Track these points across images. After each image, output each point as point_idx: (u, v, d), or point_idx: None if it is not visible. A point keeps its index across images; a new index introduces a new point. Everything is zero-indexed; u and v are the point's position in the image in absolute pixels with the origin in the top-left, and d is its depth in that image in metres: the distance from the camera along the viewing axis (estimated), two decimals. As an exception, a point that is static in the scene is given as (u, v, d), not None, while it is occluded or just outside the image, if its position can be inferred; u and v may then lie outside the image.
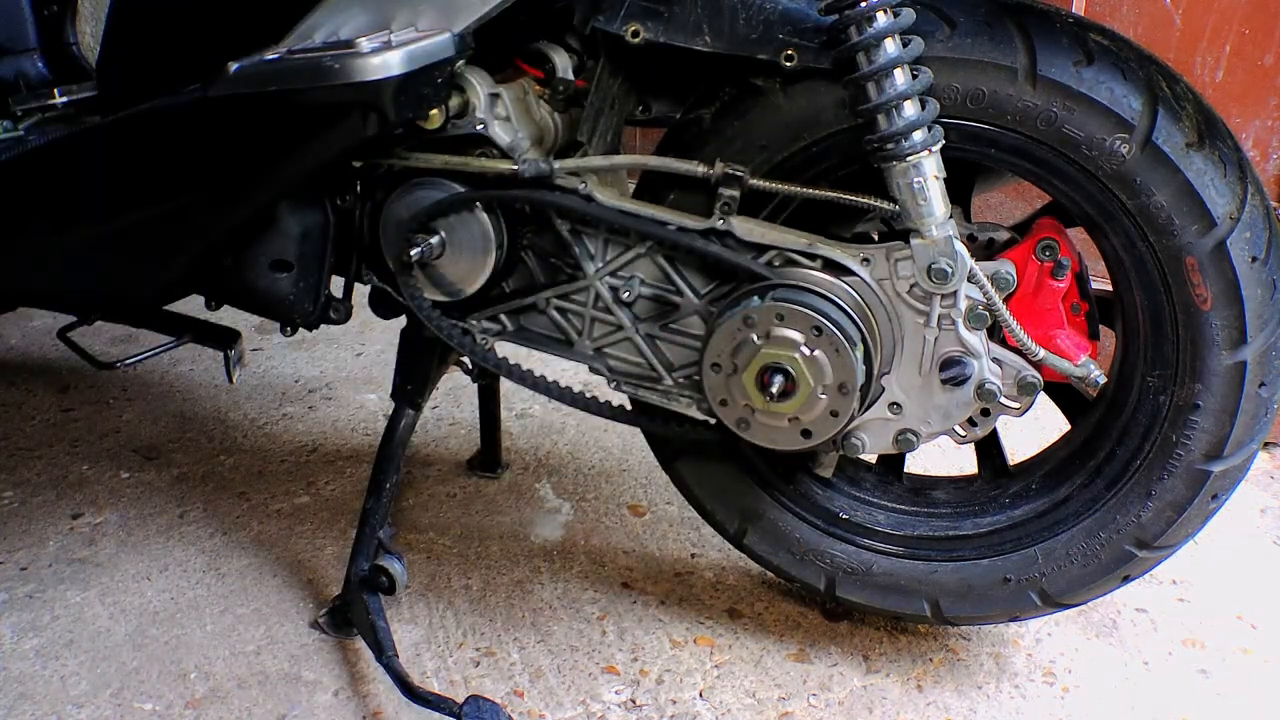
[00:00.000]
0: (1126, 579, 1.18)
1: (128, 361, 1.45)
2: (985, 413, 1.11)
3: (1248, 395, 1.06)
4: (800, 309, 1.03)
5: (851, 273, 1.07)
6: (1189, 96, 1.02)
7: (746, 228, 1.09)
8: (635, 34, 1.06)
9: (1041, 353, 1.08)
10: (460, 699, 1.16)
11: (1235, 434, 1.07)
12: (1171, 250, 1.03)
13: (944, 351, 1.09)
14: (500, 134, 1.11)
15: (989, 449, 1.31)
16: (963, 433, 1.13)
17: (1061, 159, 1.02)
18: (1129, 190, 1.02)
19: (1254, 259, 1.01)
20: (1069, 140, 1.01)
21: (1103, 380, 1.12)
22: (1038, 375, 1.10)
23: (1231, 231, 1.00)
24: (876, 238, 1.22)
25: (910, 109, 1.00)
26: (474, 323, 1.21)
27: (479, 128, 1.10)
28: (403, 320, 1.29)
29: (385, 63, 0.97)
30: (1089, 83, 0.99)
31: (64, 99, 1.44)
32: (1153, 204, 1.01)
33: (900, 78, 0.99)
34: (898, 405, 1.12)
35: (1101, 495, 1.17)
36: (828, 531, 1.27)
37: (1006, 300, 1.08)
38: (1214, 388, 1.06)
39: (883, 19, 0.98)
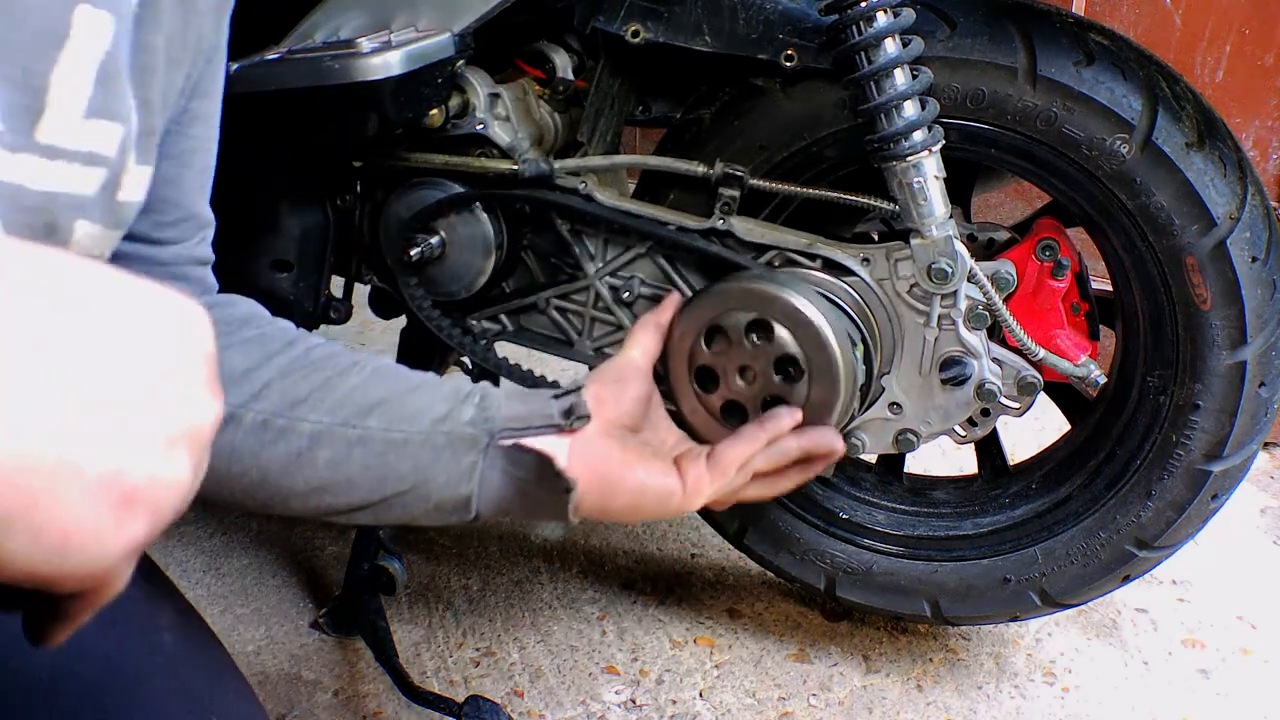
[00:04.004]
0: (1126, 579, 1.18)
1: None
2: (985, 413, 1.11)
3: (1248, 395, 1.06)
4: (800, 309, 1.03)
5: (851, 272, 1.07)
6: (1189, 96, 1.01)
7: (746, 227, 1.09)
8: (635, 34, 1.06)
9: (1041, 353, 1.08)
10: (460, 699, 1.16)
11: (1235, 434, 1.07)
12: (1171, 250, 1.03)
13: (944, 351, 1.09)
14: (500, 134, 1.11)
15: (989, 449, 1.31)
16: (963, 433, 1.13)
17: (1061, 159, 1.02)
18: (1129, 190, 1.02)
19: (1254, 259, 1.01)
20: (1069, 140, 1.01)
21: (1103, 380, 1.12)
22: (1038, 375, 1.10)
23: (1231, 231, 1.00)
24: (876, 238, 1.22)
25: (910, 109, 1.00)
26: (474, 323, 1.21)
27: (479, 128, 1.10)
28: (403, 320, 1.29)
29: (385, 63, 0.97)
30: (1089, 83, 0.99)
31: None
32: (1153, 204, 1.01)
33: (900, 78, 0.99)
34: (898, 405, 1.12)
35: (1101, 495, 1.17)
36: (828, 531, 1.27)
37: (1006, 300, 1.08)
38: (1214, 388, 1.06)
39: (882, 19, 0.98)
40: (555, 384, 1.18)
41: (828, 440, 0.90)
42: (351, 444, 0.73)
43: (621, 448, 0.82)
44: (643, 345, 0.94)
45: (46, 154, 0.54)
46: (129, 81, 0.59)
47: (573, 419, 0.78)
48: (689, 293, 1.13)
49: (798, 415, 0.91)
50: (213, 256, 0.79)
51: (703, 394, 0.99)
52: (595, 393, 0.83)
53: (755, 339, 0.96)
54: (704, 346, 0.97)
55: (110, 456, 0.33)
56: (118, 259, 0.69)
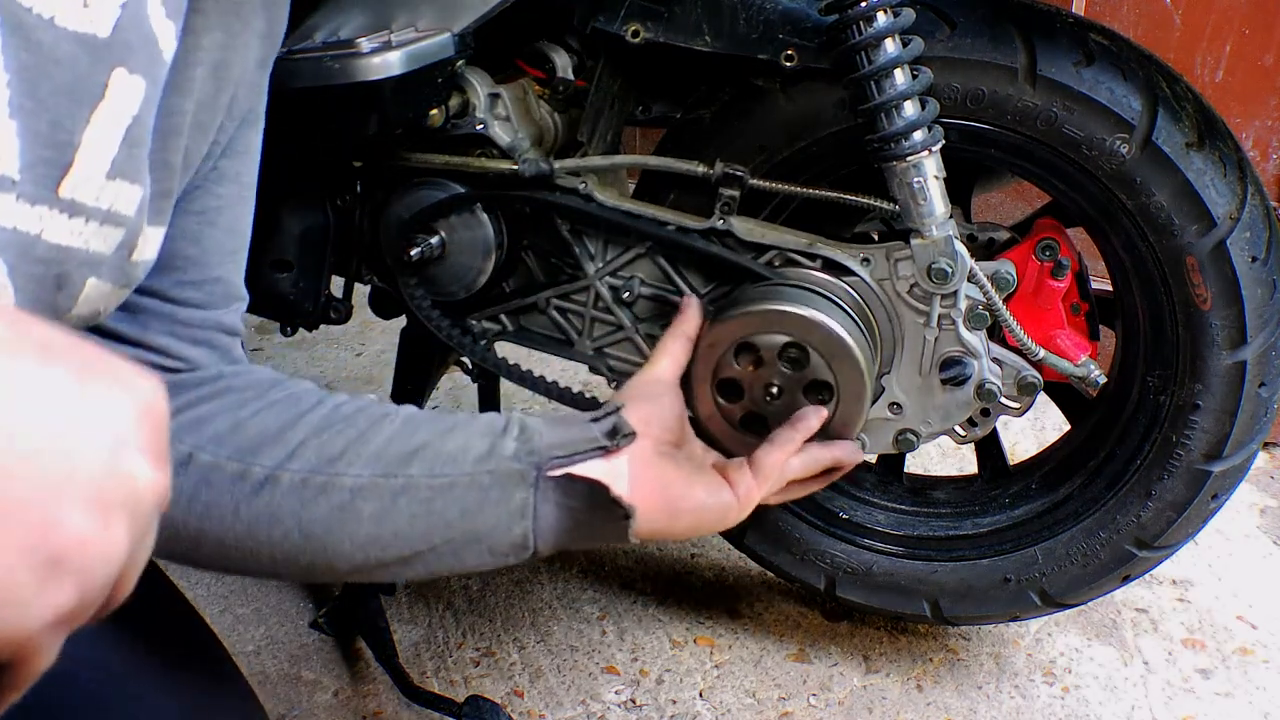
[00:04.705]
0: (1126, 579, 1.18)
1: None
2: (985, 413, 1.11)
3: (1247, 395, 1.06)
4: (800, 309, 1.03)
5: (851, 273, 1.07)
6: (1189, 96, 1.01)
7: (746, 228, 1.09)
8: (635, 34, 1.06)
9: (1041, 352, 1.08)
10: (460, 699, 1.17)
11: (1235, 434, 1.07)
12: (1171, 250, 1.03)
13: (944, 351, 1.09)
14: (500, 134, 1.11)
15: (989, 449, 1.31)
16: (963, 433, 1.13)
17: (1061, 159, 1.02)
18: (1129, 190, 1.02)
19: (1254, 259, 1.01)
20: (1069, 140, 1.01)
21: (1103, 380, 1.11)
22: (1038, 375, 1.10)
23: (1231, 231, 1.00)
24: (876, 237, 1.22)
25: (910, 109, 1.00)
26: (474, 323, 1.21)
27: (479, 128, 1.10)
28: (403, 320, 1.29)
29: (386, 63, 0.97)
30: (1089, 83, 0.99)
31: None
32: (1153, 204, 1.01)
33: (900, 77, 0.99)
34: (898, 405, 1.12)
35: (1101, 495, 1.17)
36: (828, 531, 1.26)
37: (1006, 300, 1.08)
38: (1214, 388, 1.06)
39: (883, 19, 0.98)
40: (593, 400, 1.19)
41: (853, 452, 0.96)
42: (396, 494, 0.71)
43: (676, 468, 0.81)
44: (672, 356, 0.94)
45: (67, 209, 0.53)
46: (149, 144, 0.59)
47: (618, 439, 0.77)
48: (689, 293, 1.13)
49: (824, 414, 0.95)
50: (243, 331, 0.78)
51: (725, 404, 1.00)
52: (641, 413, 0.82)
53: (790, 361, 0.98)
54: (733, 361, 0.98)
55: (38, 517, 0.32)
56: (139, 313, 0.69)
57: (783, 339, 0.98)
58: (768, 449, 0.88)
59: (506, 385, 1.76)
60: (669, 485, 0.79)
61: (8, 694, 0.35)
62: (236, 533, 0.68)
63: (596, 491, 0.74)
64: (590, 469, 0.75)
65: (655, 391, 0.88)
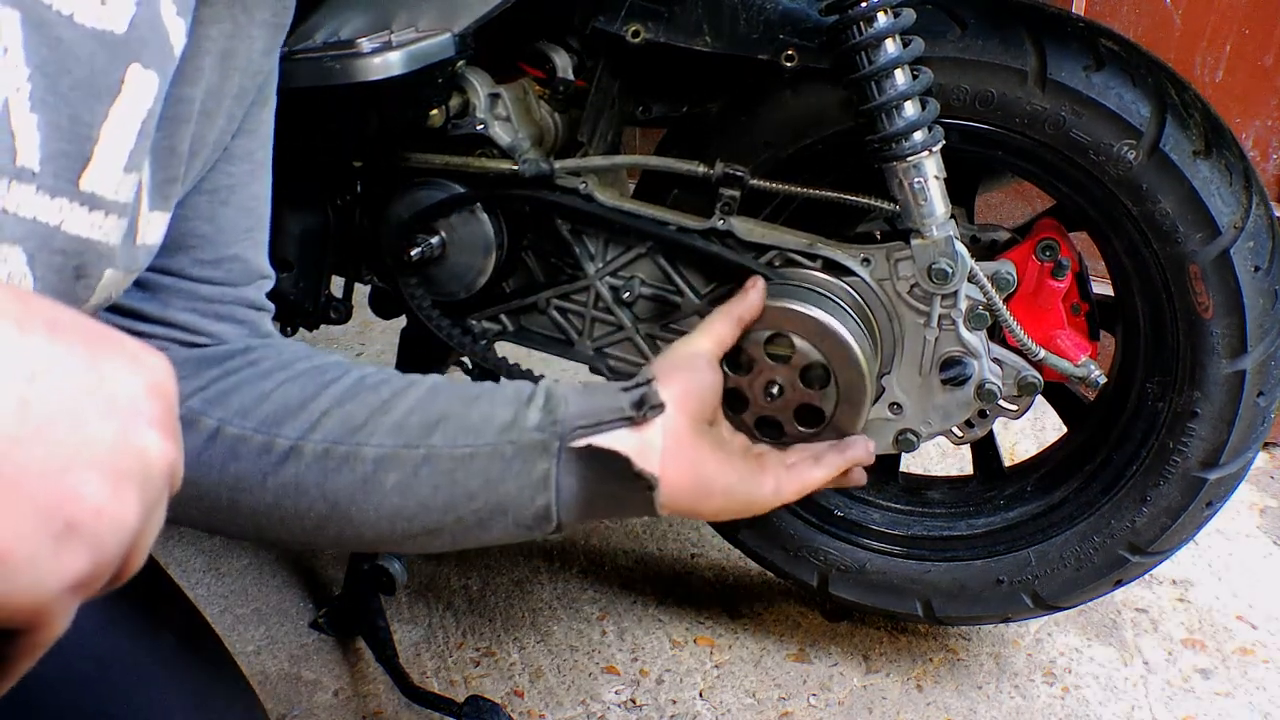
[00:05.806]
0: (1119, 583, 1.18)
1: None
2: (983, 414, 1.11)
3: (1246, 404, 1.05)
4: (801, 310, 1.03)
5: (852, 273, 1.07)
6: (1197, 104, 1.01)
7: (747, 228, 1.09)
8: (636, 34, 1.05)
9: (1042, 353, 1.08)
10: (460, 699, 1.17)
11: (1232, 442, 1.07)
12: (1175, 257, 1.02)
13: (944, 352, 1.09)
14: (500, 134, 1.10)
15: (985, 451, 1.31)
16: (960, 433, 1.13)
17: (1068, 163, 1.02)
18: (1134, 196, 1.01)
19: (1256, 268, 1.01)
20: (1076, 144, 1.01)
21: (1103, 380, 1.11)
22: (1038, 375, 1.10)
23: (1235, 240, 1.00)
24: (879, 236, 1.22)
25: (910, 109, 0.99)
26: (474, 323, 1.20)
27: (479, 128, 1.10)
28: (403, 320, 1.29)
29: (386, 63, 0.97)
30: (1098, 88, 0.99)
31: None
32: (1158, 211, 1.01)
33: (900, 78, 0.99)
34: (898, 405, 1.12)
35: (1097, 500, 1.17)
36: (822, 528, 1.26)
37: (1007, 300, 1.08)
38: (1213, 396, 1.06)
39: (883, 20, 0.97)
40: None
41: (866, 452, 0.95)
42: (418, 464, 0.70)
43: (712, 448, 0.79)
44: (715, 333, 0.90)
45: (87, 202, 0.54)
46: (154, 131, 0.60)
47: (645, 410, 0.74)
48: (689, 293, 1.13)
49: (872, 447, 0.93)
50: (271, 306, 0.78)
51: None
52: (679, 385, 0.79)
53: (780, 358, 1.00)
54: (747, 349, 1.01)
55: (53, 485, 0.32)
56: (159, 292, 0.70)
57: (788, 338, 0.99)
58: (812, 466, 0.87)
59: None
60: (703, 463, 0.77)
61: (22, 660, 0.36)
62: (266, 503, 0.69)
63: (618, 462, 0.72)
64: (615, 439, 0.73)
65: (693, 364, 0.84)
